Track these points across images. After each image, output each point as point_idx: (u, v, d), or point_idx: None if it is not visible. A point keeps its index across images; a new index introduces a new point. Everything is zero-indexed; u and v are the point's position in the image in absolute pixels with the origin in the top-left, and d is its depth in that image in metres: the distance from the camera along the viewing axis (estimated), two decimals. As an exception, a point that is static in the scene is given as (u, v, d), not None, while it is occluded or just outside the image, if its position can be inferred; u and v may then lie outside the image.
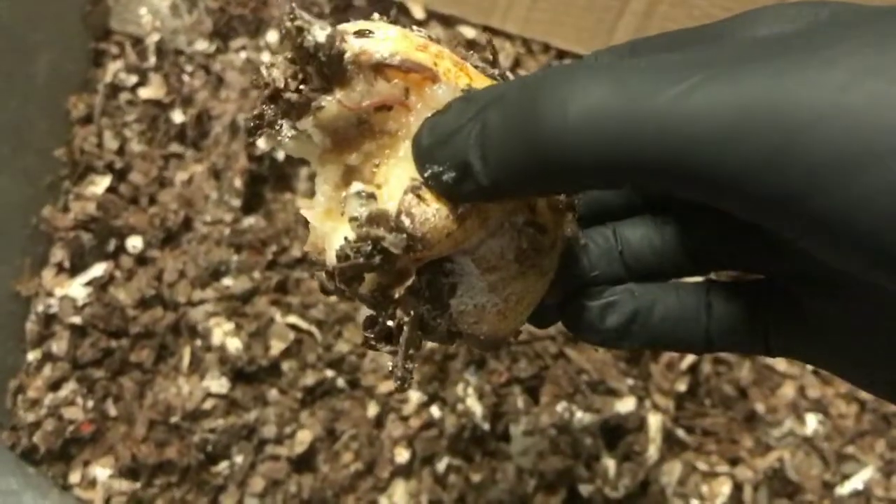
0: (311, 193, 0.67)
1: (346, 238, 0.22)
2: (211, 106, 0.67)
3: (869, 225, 0.16)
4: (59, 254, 0.61)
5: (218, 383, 0.59)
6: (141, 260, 0.63)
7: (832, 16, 0.19)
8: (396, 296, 0.24)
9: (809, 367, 0.66)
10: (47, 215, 0.61)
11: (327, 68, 0.22)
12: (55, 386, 0.58)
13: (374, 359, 0.62)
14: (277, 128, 0.23)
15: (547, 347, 0.61)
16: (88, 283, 0.61)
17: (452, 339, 0.27)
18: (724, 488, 0.61)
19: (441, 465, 0.59)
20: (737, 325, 0.26)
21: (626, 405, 0.60)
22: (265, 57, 0.69)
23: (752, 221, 0.18)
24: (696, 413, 0.64)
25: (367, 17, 0.25)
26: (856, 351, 0.23)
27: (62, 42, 0.64)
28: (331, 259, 0.23)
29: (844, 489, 0.62)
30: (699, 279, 0.28)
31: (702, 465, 0.62)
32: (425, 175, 0.22)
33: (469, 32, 0.70)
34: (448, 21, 0.70)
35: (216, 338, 0.60)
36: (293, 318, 0.62)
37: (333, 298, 0.62)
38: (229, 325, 0.60)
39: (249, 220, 0.65)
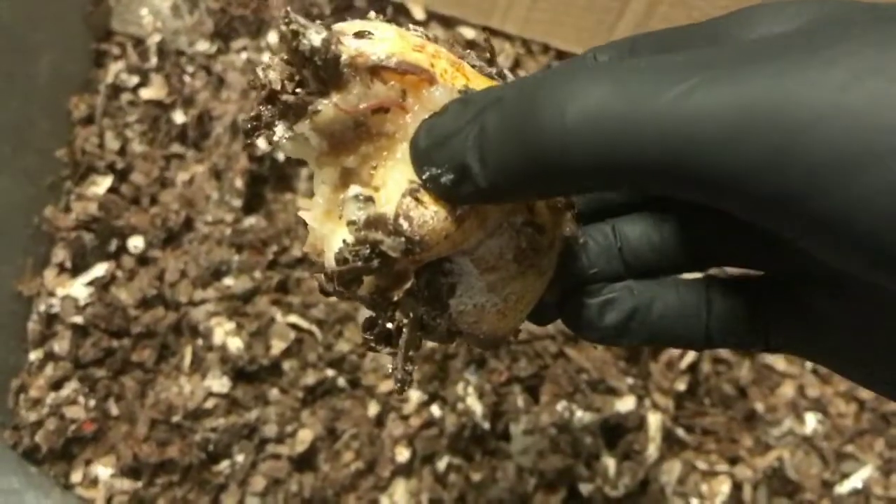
0: (311, 193, 0.67)
1: (344, 241, 0.22)
2: (212, 106, 0.67)
3: (869, 225, 0.16)
4: (60, 254, 0.61)
5: (219, 383, 0.59)
6: (142, 260, 0.63)
7: (832, 14, 0.19)
8: (395, 298, 0.24)
9: (809, 367, 0.66)
10: (49, 215, 0.62)
11: (323, 72, 0.21)
12: (57, 385, 0.58)
13: (374, 358, 0.62)
14: (274, 129, 0.23)
15: (547, 347, 0.61)
16: (90, 283, 0.61)
17: (452, 338, 0.27)
18: (724, 487, 0.61)
19: (441, 464, 0.59)
20: (737, 322, 0.26)
21: (625, 404, 0.60)
22: (266, 58, 0.69)
23: (753, 222, 0.18)
24: (695, 412, 0.64)
25: (366, 17, 0.25)
26: (856, 349, 0.23)
27: (63, 42, 0.64)
28: (329, 261, 0.23)
29: (844, 488, 0.62)
30: (699, 275, 0.28)
31: (701, 465, 0.62)
32: (423, 177, 0.22)
33: (469, 33, 0.70)
34: (448, 22, 0.70)
35: (217, 337, 0.60)
36: (294, 318, 0.62)
37: (333, 298, 0.62)
38: (230, 325, 0.61)
39: (250, 220, 0.65)
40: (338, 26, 0.23)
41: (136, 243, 0.62)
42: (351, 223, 0.22)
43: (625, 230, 0.28)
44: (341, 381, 0.61)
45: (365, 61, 0.22)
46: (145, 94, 0.67)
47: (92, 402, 0.58)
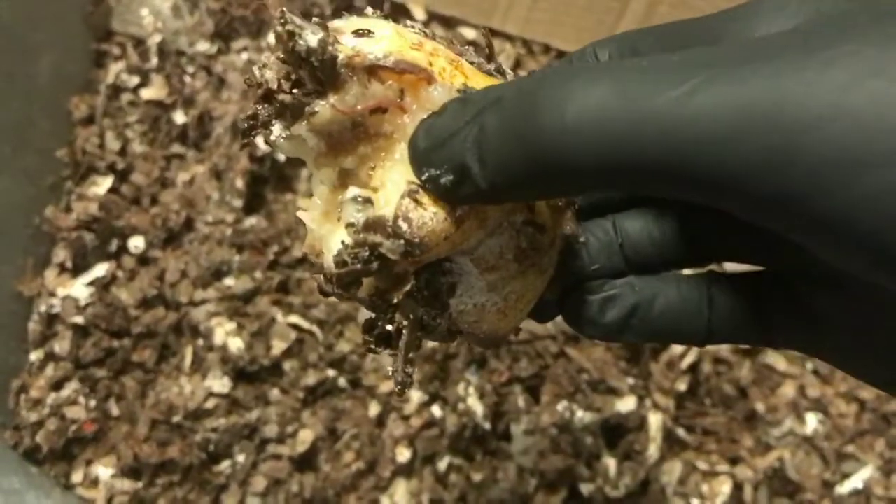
0: (311, 194, 0.67)
1: (343, 243, 0.22)
2: (212, 107, 0.67)
3: (871, 225, 0.16)
4: (61, 254, 0.61)
5: (220, 383, 0.59)
6: (143, 260, 0.63)
7: (831, 12, 0.19)
8: (395, 300, 0.24)
9: (810, 367, 0.66)
10: (49, 215, 0.62)
11: (320, 72, 0.21)
12: (57, 386, 0.58)
13: (375, 358, 0.62)
14: (271, 128, 0.23)
15: (548, 347, 0.61)
16: (91, 283, 0.61)
17: (453, 337, 0.27)
18: (725, 487, 0.61)
19: (442, 465, 0.59)
20: (739, 318, 0.26)
21: (626, 404, 0.60)
22: (265, 56, 0.69)
23: (753, 222, 0.18)
24: (696, 412, 0.64)
25: (363, 13, 0.25)
26: (856, 348, 0.23)
27: (64, 43, 0.64)
28: (328, 262, 0.23)
29: (844, 488, 0.62)
30: (700, 271, 0.28)
31: (702, 465, 0.62)
32: (422, 178, 0.21)
33: (469, 33, 0.70)
34: (449, 22, 0.71)
35: (218, 337, 0.60)
36: (294, 318, 0.62)
37: (333, 299, 0.62)
38: (231, 325, 0.61)
39: (251, 221, 0.65)
40: (334, 24, 0.23)
41: (136, 243, 0.62)
42: (350, 225, 0.22)
43: (625, 226, 0.28)
44: (342, 382, 0.61)
45: (362, 61, 0.22)
46: (146, 94, 0.67)
47: (92, 403, 0.58)
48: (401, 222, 0.21)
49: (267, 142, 0.23)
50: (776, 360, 0.66)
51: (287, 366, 0.61)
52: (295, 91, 0.22)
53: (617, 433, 0.61)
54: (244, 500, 0.58)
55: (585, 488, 0.58)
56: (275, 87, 0.22)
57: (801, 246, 0.18)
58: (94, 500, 0.56)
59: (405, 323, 0.24)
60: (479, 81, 0.24)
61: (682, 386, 0.63)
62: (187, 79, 0.68)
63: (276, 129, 0.23)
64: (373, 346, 0.25)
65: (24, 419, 0.57)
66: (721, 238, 0.27)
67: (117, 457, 0.57)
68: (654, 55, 0.19)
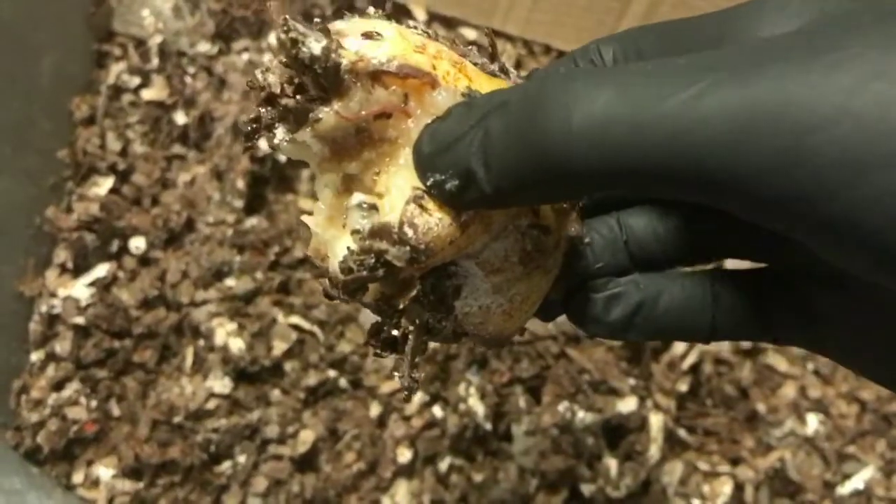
0: (312, 194, 0.66)
1: (348, 248, 0.22)
2: (213, 107, 0.67)
3: (873, 226, 0.16)
4: (62, 254, 0.61)
5: (221, 383, 0.59)
6: (144, 260, 0.63)
7: (836, 11, 0.19)
8: (401, 306, 0.24)
9: (810, 367, 0.66)
10: (51, 216, 0.62)
11: (324, 79, 0.21)
12: (58, 386, 0.58)
13: (375, 359, 0.62)
14: (274, 131, 0.23)
15: (549, 347, 0.61)
16: (92, 284, 0.61)
17: (458, 338, 0.27)
18: (726, 488, 0.61)
19: (443, 465, 0.59)
20: (743, 314, 0.26)
21: (627, 405, 0.60)
22: (267, 58, 0.69)
23: (758, 223, 0.18)
24: (697, 413, 0.64)
25: (365, 13, 0.25)
26: (859, 344, 0.23)
27: (65, 43, 0.64)
28: (333, 267, 0.23)
29: (845, 489, 0.62)
30: (705, 268, 0.28)
31: (703, 465, 0.62)
32: (427, 183, 0.21)
33: (470, 34, 0.70)
34: (450, 23, 0.71)
35: (219, 338, 0.60)
36: (295, 319, 0.62)
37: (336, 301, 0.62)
38: (232, 326, 0.61)
39: (252, 221, 0.65)
40: (337, 26, 0.23)
41: (137, 244, 0.62)
42: (355, 232, 0.22)
43: (630, 222, 0.28)
44: (343, 382, 0.61)
45: (366, 66, 0.21)
46: (147, 94, 0.67)
47: (93, 403, 0.58)
48: (406, 228, 0.21)
49: (270, 145, 0.23)
50: (777, 360, 0.66)
51: (288, 366, 0.61)
52: (298, 97, 0.22)
53: (618, 434, 0.61)
54: (245, 500, 0.58)
55: (586, 489, 0.58)
56: (278, 91, 0.22)
57: (804, 245, 0.18)
58: (95, 501, 0.56)
59: (411, 328, 0.24)
60: (483, 84, 0.23)
61: (683, 386, 0.63)
62: (188, 79, 0.68)
63: (280, 132, 0.23)
64: (379, 351, 0.25)
65: (25, 420, 0.57)
66: (724, 235, 0.27)
67: (118, 457, 0.57)
68: (659, 58, 0.19)
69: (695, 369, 0.64)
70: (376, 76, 0.22)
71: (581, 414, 0.59)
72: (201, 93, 0.67)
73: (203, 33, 0.68)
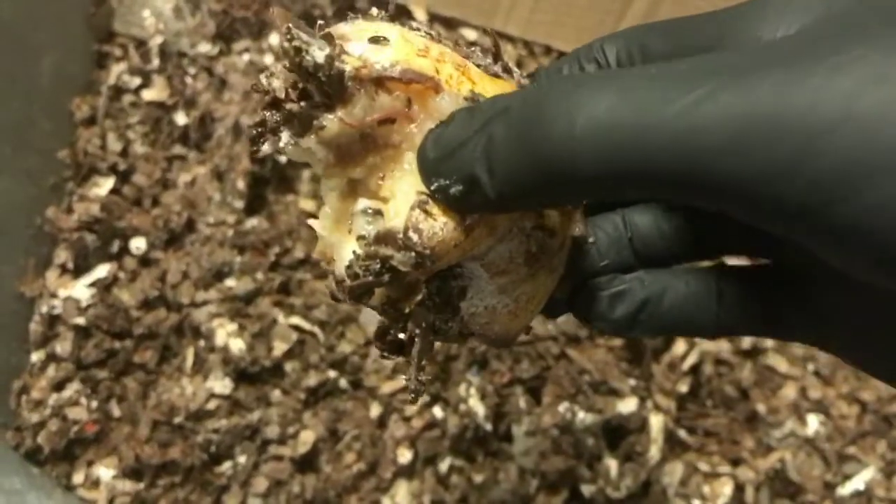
0: (313, 195, 0.66)
1: (354, 253, 0.22)
2: (214, 108, 0.67)
3: (877, 231, 0.16)
4: (62, 255, 0.61)
5: (221, 384, 0.59)
6: (144, 261, 0.63)
7: (839, 13, 0.19)
8: (407, 310, 0.24)
9: (811, 368, 0.66)
10: (51, 216, 0.62)
11: (328, 87, 0.21)
12: (59, 386, 0.58)
13: (376, 359, 0.62)
14: (280, 135, 0.23)
15: (549, 348, 0.61)
16: (92, 284, 0.61)
17: (464, 338, 0.27)
18: (726, 489, 0.61)
19: (443, 466, 0.59)
20: (747, 311, 0.26)
21: (627, 406, 0.60)
22: (268, 59, 0.69)
23: (762, 228, 0.18)
24: (697, 414, 0.64)
25: (368, 13, 0.25)
26: (861, 341, 0.24)
27: (66, 44, 0.64)
28: (340, 270, 0.23)
29: (846, 489, 0.62)
30: (710, 264, 0.28)
31: (703, 466, 0.62)
32: (432, 188, 0.22)
33: (471, 35, 0.70)
34: (450, 23, 0.71)
35: (219, 339, 0.60)
36: (296, 319, 0.62)
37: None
38: (232, 326, 0.61)
39: (252, 222, 0.65)
40: (340, 29, 0.23)
41: (138, 244, 0.62)
42: (360, 238, 0.22)
43: (634, 220, 0.28)
44: (343, 383, 0.61)
45: (369, 73, 0.22)
46: (147, 95, 0.67)
47: (94, 404, 0.58)
48: (411, 233, 0.21)
49: (276, 149, 0.23)
50: (777, 361, 0.66)
51: (288, 367, 0.61)
52: (302, 103, 0.22)
53: (618, 434, 0.61)
54: (245, 500, 0.58)
55: (587, 489, 0.58)
56: (282, 96, 0.22)
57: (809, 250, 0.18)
58: (95, 501, 0.56)
59: (417, 331, 0.24)
60: (487, 86, 0.24)
61: (683, 387, 0.63)
62: (189, 80, 0.68)
63: (285, 136, 0.23)
64: (385, 354, 0.25)
65: (25, 420, 0.57)
66: (728, 232, 0.27)
67: (119, 458, 0.57)
68: (661, 62, 0.19)
69: (695, 370, 0.64)
70: (380, 82, 0.22)
71: (581, 414, 0.59)
72: (202, 93, 0.67)
73: (204, 34, 0.69)
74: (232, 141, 0.66)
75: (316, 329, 0.62)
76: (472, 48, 0.25)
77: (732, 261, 0.28)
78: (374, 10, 0.24)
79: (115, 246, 0.62)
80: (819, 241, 0.17)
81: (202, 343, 0.61)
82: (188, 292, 0.62)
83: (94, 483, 0.57)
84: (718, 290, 0.26)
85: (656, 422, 0.60)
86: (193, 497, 0.58)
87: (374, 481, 0.59)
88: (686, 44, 0.23)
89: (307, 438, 0.59)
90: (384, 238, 0.21)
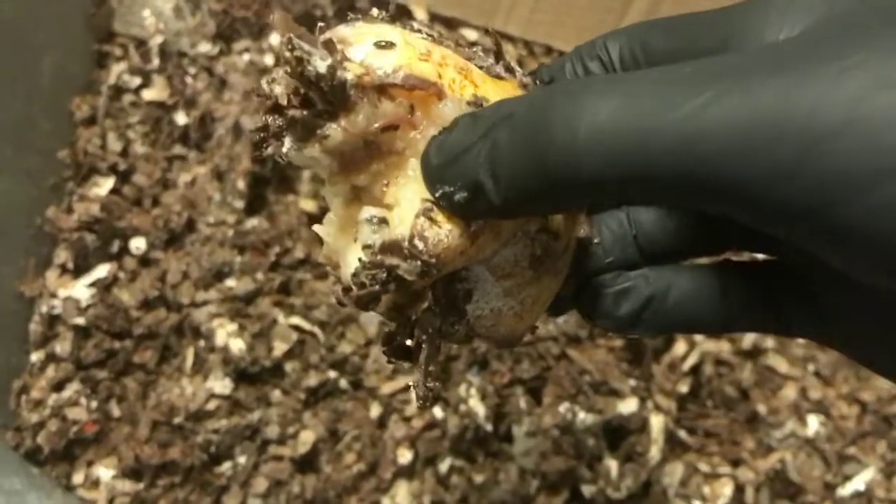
0: (313, 195, 0.66)
1: (360, 261, 0.22)
2: (214, 108, 0.67)
3: (880, 235, 0.16)
4: (62, 255, 0.61)
5: (221, 384, 0.59)
6: (144, 261, 0.63)
7: (842, 14, 0.19)
8: (413, 317, 0.24)
9: (811, 369, 0.66)
10: (51, 216, 0.61)
11: (330, 95, 0.21)
12: (59, 387, 0.58)
13: (376, 360, 0.62)
14: (283, 140, 0.23)
15: (549, 348, 0.61)
16: (92, 284, 0.61)
17: (470, 340, 0.27)
18: (726, 489, 0.61)
19: (443, 466, 0.59)
20: (752, 307, 0.26)
21: (628, 406, 0.60)
22: (268, 59, 0.69)
23: (766, 231, 0.18)
24: (697, 414, 0.64)
25: (369, 14, 0.24)
26: (865, 338, 0.24)
27: (66, 43, 0.64)
28: (346, 277, 0.23)
29: (846, 490, 0.62)
30: (714, 260, 0.28)
31: (704, 466, 0.62)
32: (436, 195, 0.21)
33: (471, 34, 0.70)
34: (451, 23, 0.71)
35: (219, 339, 0.60)
36: (296, 320, 0.62)
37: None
38: (232, 326, 0.61)
39: (252, 222, 0.65)
40: (341, 33, 0.23)
41: (138, 244, 0.62)
42: (366, 247, 0.22)
43: (639, 217, 0.28)
44: (343, 383, 0.61)
45: (371, 80, 0.21)
46: (147, 95, 0.67)
47: (94, 404, 0.58)
48: (417, 241, 0.21)
49: (278, 154, 0.23)
50: (778, 361, 0.66)
51: (288, 367, 0.61)
52: (305, 111, 0.22)
53: (618, 435, 0.61)
54: (245, 501, 0.58)
55: (587, 490, 0.58)
56: (284, 102, 0.22)
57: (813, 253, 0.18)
58: (95, 501, 0.56)
59: (424, 337, 0.24)
60: (489, 89, 0.24)
61: (683, 388, 0.63)
62: (189, 80, 0.68)
63: (288, 141, 0.23)
64: (392, 360, 0.25)
65: (25, 420, 0.57)
66: (733, 229, 0.27)
67: (118, 458, 0.57)
68: (665, 66, 0.19)
69: (695, 370, 0.64)
70: (382, 89, 0.22)
71: (582, 415, 0.59)
72: (202, 93, 0.67)
73: (204, 34, 0.68)
74: (232, 141, 0.66)
75: (316, 329, 0.62)
76: (474, 49, 0.25)
77: (737, 257, 0.28)
78: (375, 11, 0.24)
79: (115, 246, 0.62)
80: (821, 243, 0.17)
81: (202, 343, 0.61)
82: (188, 292, 0.62)
83: (94, 483, 0.57)
84: (723, 287, 0.26)
85: (657, 422, 0.60)
86: (193, 497, 0.58)
87: (374, 482, 0.59)
88: (688, 42, 0.23)
89: (307, 439, 0.59)
90: (390, 247, 0.21)
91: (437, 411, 0.60)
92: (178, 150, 0.67)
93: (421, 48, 0.23)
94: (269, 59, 0.69)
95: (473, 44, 0.68)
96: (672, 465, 0.61)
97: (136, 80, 0.67)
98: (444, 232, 0.21)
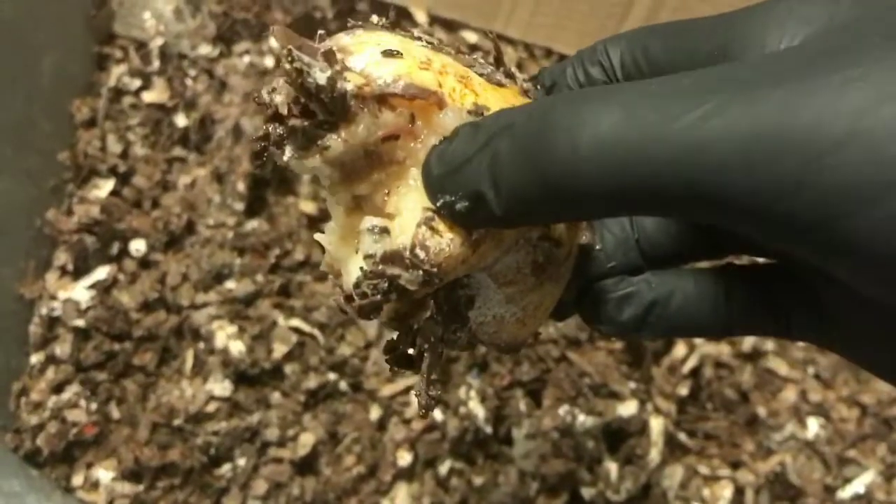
0: (313, 196, 0.66)
1: (362, 270, 0.22)
2: (214, 110, 0.67)
3: (883, 250, 0.16)
4: (62, 257, 0.61)
5: (221, 386, 0.59)
6: (144, 263, 0.63)
7: (844, 23, 0.19)
8: (415, 326, 0.24)
9: (811, 371, 0.66)
10: (51, 218, 0.61)
11: (331, 107, 0.21)
12: (58, 388, 0.58)
13: (376, 362, 0.62)
14: (284, 148, 0.23)
15: (549, 351, 0.61)
16: (92, 286, 0.61)
17: (472, 346, 0.27)
18: (726, 492, 0.61)
19: (443, 468, 0.59)
20: (756, 310, 0.26)
21: (628, 408, 0.60)
22: (268, 61, 0.69)
23: (767, 244, 0.18)
24: (697, 417, 0.64)
25: (369, 21, 0.24)
26: (866, 341, 0.24)
27: (66, 45, 0.64)
28: (348, 286, 0.23)
29: (846, 493, 0.62)
30: (716, 263, 0.28)
31: (703, 469, 0.62)
32: (437, 204, 0.22)
33: (472, 37, 0.70)
34: (451, 26, 0.71)
35: (219, 341, 0.60)
36: (296, 322, 0.62)
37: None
38: (232, 329, 0.61)
39: (252, 224, 0.65)
40: (341, 41, 0.23)
41: (137, 246, 0.62)
42: (368, 257, 0.22)
43: (642, 220, 0.28)
44: (343, 385, 0.61)
45: (372, 90, 0.21)
46: (147, 97, 0.67)
47: (93, 406, 0.58)
48: (418, 251, 0.21)
49: (279, 162, 0.23)
50: (778, 364, 0.66)
51: (288, 369, 0.61)
52: (306, 121, 0.22)
53: (618, 437, 0.61)
54: (245, 503, 0.58)
55: (587, 492, 0.58)
56: (285, 111, 0.22)
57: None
58: (94, 503, 0.56)
59: (426, 346, 0.24)
60: (490, 97, 0.23)
61: (683, 390, 0.63)
62: (189, 82, 0.68)
63: (288, 150, 0.23)
64: (395, 368, 0.25)
65: (24, 422, 0.57)
66: (735, 233, 0.27)
67: (118, 460, 0.57)
68: (665, 77, 0.19)
69: (695, 373, 0.64)
70: (383, 99, 0.22)
71: (581, 417, 0.59)
72: (202, 95, 0.67)
73: (204, 36, 0.68)
74: (232, 143, 0.66)
75: (316, 331, 0.62)
76: (474, 55, 0.25)
77: (738, 260, 0.28)
78: (375, 18, 0.24)
79: (115, 248, 0.62)
80: (824, 256, 0.17)
81: (202, 345, 0.61)
82: (188, 294, 0.62)
83: (94, 485, 0.57)
84: (725, 291, 0.26)
85: (656, 425, 0.60)
86: (193, 499, 0.58)
87: (373, 484, 0.59)
88: (689, 48, 0.23)
89: (307, 441, 0.59)
90: (391, 257, 0.22)
91: (437, 413, 0.60)
92: (177, 152, 0.67)
93: (421, 56, 0.23)
94: (269, 62, 0.69)
95: (474, 47, 0.69)
96: (672, 468, 0.61)
97: (137, 82, 0.67)
98: (445, 241, 0.21)
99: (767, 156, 0.16)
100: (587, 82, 0.26)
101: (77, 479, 0.57)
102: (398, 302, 0.22)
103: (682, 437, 0.62)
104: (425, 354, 0.24)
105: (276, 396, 0.60)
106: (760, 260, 0.28)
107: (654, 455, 0.60)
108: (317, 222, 0.66)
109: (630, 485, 0.58)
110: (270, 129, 0.23)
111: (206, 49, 0.68)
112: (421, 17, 0.70)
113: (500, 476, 0.59)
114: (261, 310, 0.62)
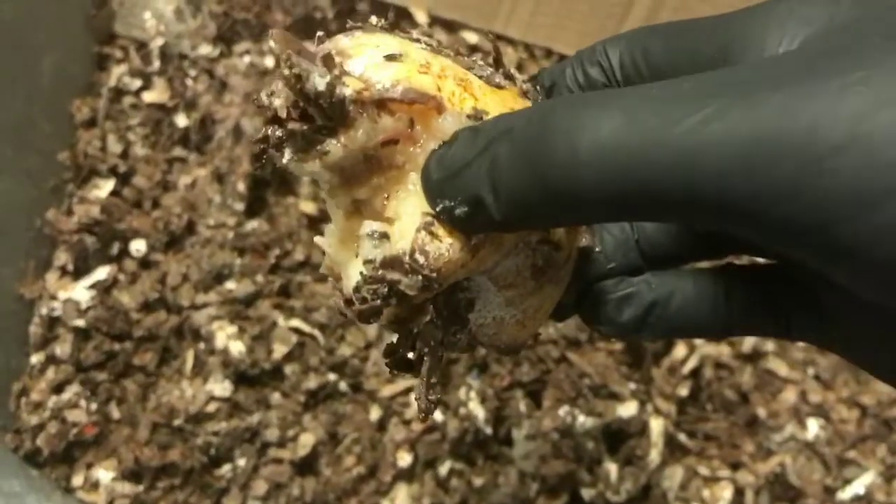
0: (313, 196, 0.66)
1: (362, 274, 0.22)
2: (214, 110, 0.67)
3: (882, 255, 0.16)
4: (62, 257, 0.61)
5: (221, 386, 0.59)
6: (144, 263, 0.63)
7: (844, 25, 0.19)
8: (415, 330, 0.24)
9: (811, 372, 0.66)
10: (51, 218, 0.61)
11: (330, 112, 0.21)
12: (58, 389, 0.58)
13: (376, 362, 0.62)
14: (283, 150, 0.23)
15: (549, 351, 0.61)
16: (92, 287, 0.61)
17: (472, 348, 0.27)
18: (726, 493, 0.61)
19: (443, 469, 0.59)
20: (756, 310, 0.26)
21: (628, 409, 0.60)
22: (268, 61, 0.69)
23: (766, 248, 0.18)
24: (697, 417, 0.64)
25: (368, 22, 0.24)
26: (866, 341, 0.24)
27: (66, 45, 0.64)
28: (347, 289, 0.23)
29: (846, 494, 0.62)
30: (716, 264, 0.28)
31: (703, 470, 0.62)
32: (437, 209, 0.22)
33: (472, 38, 0.70)
34: (451, 26, 0.71)
35: (219, 341, 0.60)
36: (296, 322, 0.62)
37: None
38: (232, 329, 0.61)
39: (252, 224, 0.65)
40: (340, 44, 0.23)
41: (138, 247, 0.62)
42: (368, 262, 0.22)
43: (642, 222, 0.28)
44: (343, 386, 0.61)
45: (371, 95, 0.21)
46: (148, 97, 0.67)
47: (93, 406, 0.58)
48: (418, 256, 0.21)
49: (279, 165, 0.23)
50: (778, 365, 0.66)
51: (288, 369, 0.61)
52: (305, 126, 0.22)
53: (618, 438, 0.61)
54: (245, 503, 0.58)
55: (587, 493, 0.58)
56: (284, 115, 0.22)
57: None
58: (94, 504, 0.56)
59: (426, 350, 0.24)
60: (489, 100, 0.23)
61: (683, 391, 0.63)
62: (189, 82, 0.68)
63: (288, 153, 0.23)
64: (394, 371, 0.26)
65: (24, 422, 0.57)
66: (735, 236, 0.27)
67: (118, 460, 0.57)
68: (665, 81, 0.19)
69: (695, 374, 0.64)
70: (382, 104, 0.22)
71: (581, 418, 0.59)
72: (202, 95, 0.67)
73: (204, 36, 0.68)
74: (232, 143, 0.66)
75: (316, 332, 0.62)
76: (474, 57, 0.25)
77: (738, 261, 0.28)
78: (374, 19, 0.24)
79: (115, 248, 0.62)
80: (824, 261, 0.17)
81: (202, 345, 0.61)
82: (188, 294, 0.62)
83: (94, 485, 0.57)
84: (725, 291, 0.26)
85: (656, 425, 0.60)
86: (193, 500, 0.58)
87: (373, 484, 0.59)
88: (688, 48, 0.23)
89: (307, 441, 0.59)
90: (391, 263, 0.22)
91: (437, 414, 0.60)
92: (178, 152, 0.67)
93: (420, 59, 0.23)
94: (269, 62, 0.69)
95: (474, 48, 0.69)
96: (672, 469, 0.61)
97: (137, 82, 0.67)
98: (444, 246, 0.21)
99: (766, 160, 0.16)
100: (586, 83, 0.26)
101: (77, 480, 0.57)
102: (398, 306, 0.22)
103: (682, 437, 0.62)
104: (425, 358, 0.25)
105: (276, 397, 0.60)
106: (760, 260, 0.28)
107: (654, 456, 0.60)
108: (317, 223, 0.66)
109: (630, 486, 0.58)
110: (269, 131, 0.23)
111: (206, 49, 0.68)
112: (421, 17, 0.70)
113: (500, 477, 0.59)
114: (261, 310, 0.62)
